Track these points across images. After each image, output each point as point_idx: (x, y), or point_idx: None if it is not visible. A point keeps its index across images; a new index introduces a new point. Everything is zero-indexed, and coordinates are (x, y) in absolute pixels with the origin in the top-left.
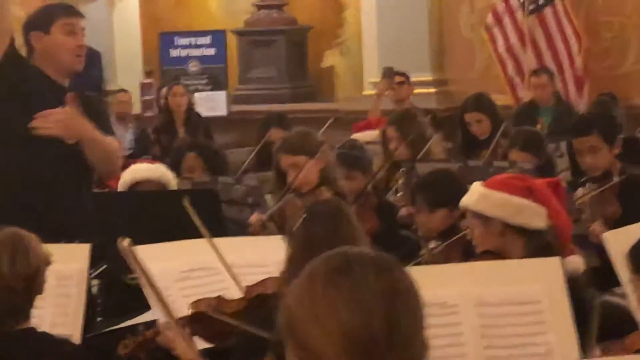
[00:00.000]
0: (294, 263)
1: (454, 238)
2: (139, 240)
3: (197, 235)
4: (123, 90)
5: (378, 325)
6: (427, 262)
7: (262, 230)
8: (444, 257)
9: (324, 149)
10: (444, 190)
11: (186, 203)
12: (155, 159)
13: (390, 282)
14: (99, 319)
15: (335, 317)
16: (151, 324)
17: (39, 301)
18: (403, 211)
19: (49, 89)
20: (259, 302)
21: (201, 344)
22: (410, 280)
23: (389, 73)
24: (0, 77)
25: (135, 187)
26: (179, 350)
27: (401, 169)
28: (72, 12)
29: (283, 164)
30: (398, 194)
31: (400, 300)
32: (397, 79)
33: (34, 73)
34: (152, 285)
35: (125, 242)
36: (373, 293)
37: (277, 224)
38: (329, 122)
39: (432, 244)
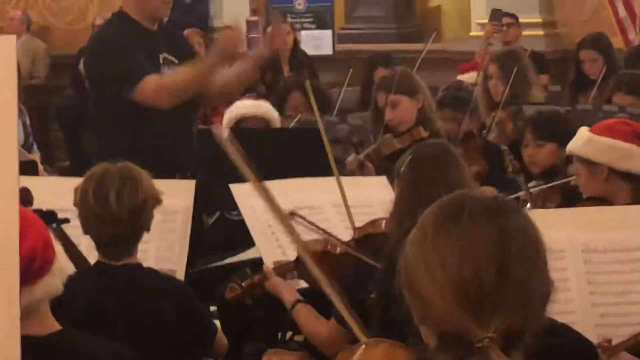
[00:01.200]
0: (402, 204)
1: (557, 182)
2: (242, 177)
3: (299, 174)
4: (229, 28)
5: (488, 275)
6: (524, 201)
7: (359, 169)
8: (542, 199)
9: (423, 89)
10: (554, 126)
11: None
12: (259, 96)
13: (502, 227)
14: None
15: (443, 267)
16: (255, 262)
17: (144, 236)
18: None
19: (138, 34)
20: (367, 242)
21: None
22: (527, 223)
23: (497, 15)
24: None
25: (240, 123)
26: (284, 296)
27: (500, 108)
28: None
29: (381, 102)
30: (492, 134)
31: (512, 247)
32: (506, 20)
33: (124, 21)
34: (257, 179)
35: (223, 132)
36: (483, 241)
37: (374, 163)
38: (418, 62)
39: (532, 183)
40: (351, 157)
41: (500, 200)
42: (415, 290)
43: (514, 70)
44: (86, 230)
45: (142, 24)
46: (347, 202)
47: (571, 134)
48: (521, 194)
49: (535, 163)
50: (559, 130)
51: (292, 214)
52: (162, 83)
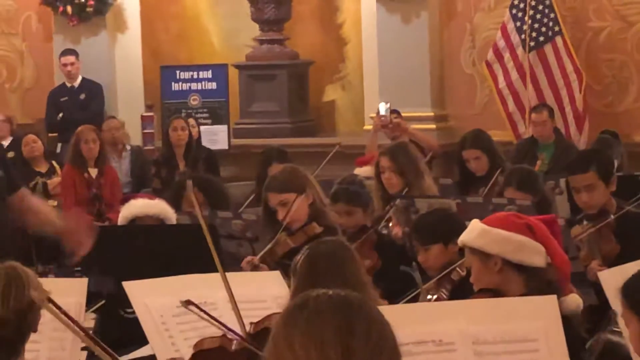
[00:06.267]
0: None
1: (442, 274)
2: (136, 274)
3: (194, 270)
4: (112, 117)
5: (335, 355)
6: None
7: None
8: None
9: (310, 184)
10: (435, 227)
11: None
12: (155, 192)
13: (347, 319)
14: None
15: (292, 353)
16: (148, 359)
17: (35, 336)
18: (397, 231)
19: None
20: (264, 336)
21: None
22: (373, 320)
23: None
24: None
25: (134, 222)
26: None
27: (394, 201)
28: None
29: (272, 203)
30: (390, 224)
31: (358, 330)
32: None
33: None
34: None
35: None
36: (328, 327)
37: (270, 264)
38: (333, 151)
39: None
40: (244, 262)
41: (347, 294)
42: None
43: (405, 162)
44: None
45: None
46: (234, 299)
47: (457, 229)
48: (418, 291)
49: (429, 268)
50: (440, 230)
51: (188, 302)
52: None
